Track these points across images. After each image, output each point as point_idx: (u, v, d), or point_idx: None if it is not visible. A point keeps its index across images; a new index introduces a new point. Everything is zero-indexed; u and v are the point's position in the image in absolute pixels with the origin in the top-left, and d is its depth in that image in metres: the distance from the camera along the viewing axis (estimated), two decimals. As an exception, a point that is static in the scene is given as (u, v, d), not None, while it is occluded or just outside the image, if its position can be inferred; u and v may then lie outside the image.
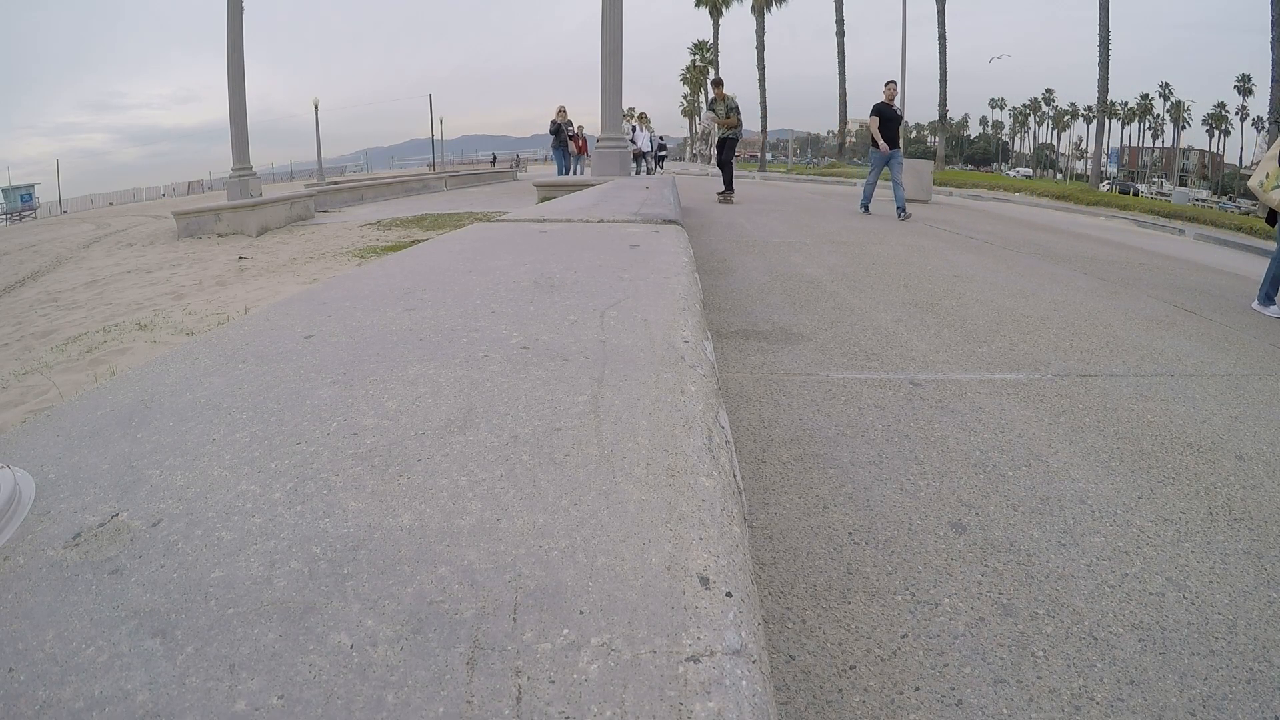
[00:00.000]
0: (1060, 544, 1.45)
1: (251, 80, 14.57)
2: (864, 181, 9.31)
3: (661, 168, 16.29)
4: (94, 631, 0.62)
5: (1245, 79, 71.46)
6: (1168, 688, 1.07)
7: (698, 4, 46.90)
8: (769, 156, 51.38)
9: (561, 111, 14.18)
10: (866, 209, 8.91)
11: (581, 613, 0.62)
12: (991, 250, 5.95)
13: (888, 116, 8.64)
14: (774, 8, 43.51)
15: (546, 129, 14.30)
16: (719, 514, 0.79)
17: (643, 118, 15.52)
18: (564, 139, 14.13)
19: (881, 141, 8.56)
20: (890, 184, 8.56)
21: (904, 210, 8.38)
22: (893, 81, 8.93)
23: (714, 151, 14.57)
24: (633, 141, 14.39)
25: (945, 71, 35.22)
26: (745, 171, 32.39)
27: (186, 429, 1.02)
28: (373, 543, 0.73)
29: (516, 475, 0.86)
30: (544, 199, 8.48)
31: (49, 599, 0.66)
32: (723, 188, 9.93)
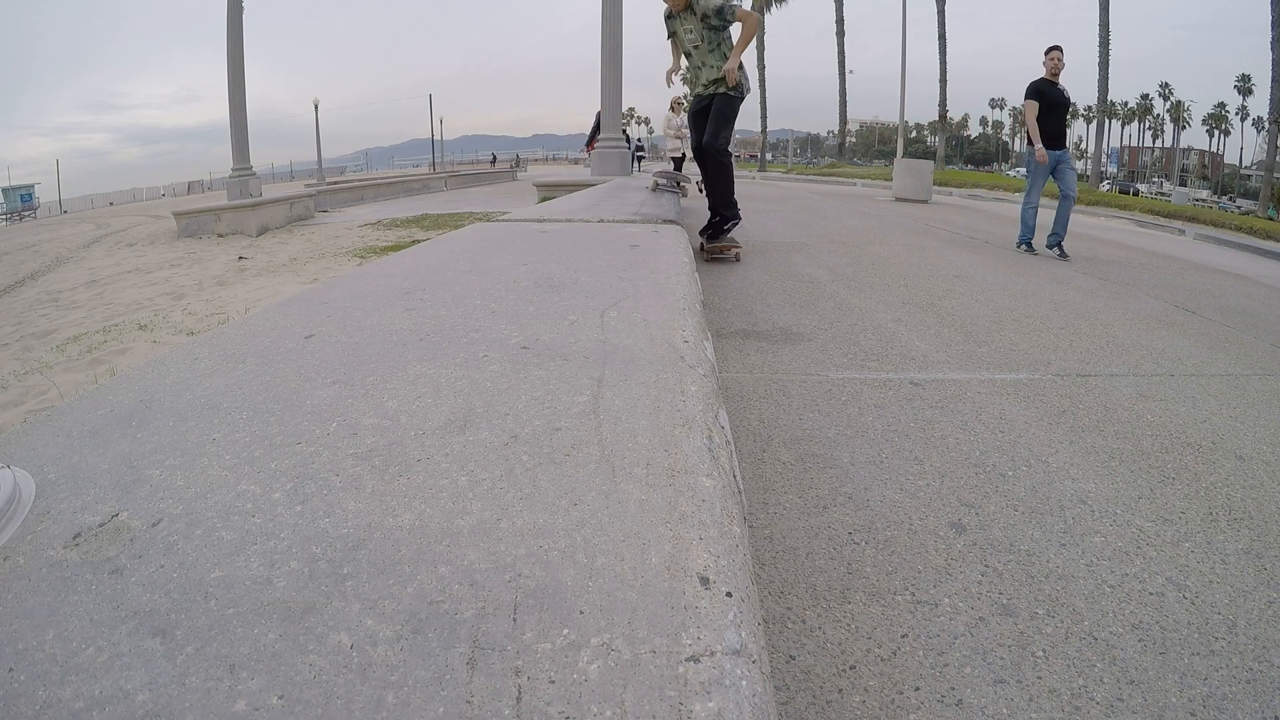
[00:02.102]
0: (1060, 544, 1.45)
1: (251, 80, 14.57)
2: (1025, 196, 6.00)
3: (639, 168, 14.81)
4: (94, 631, 0.62)
5: (1245, 79, 71.49)
6: (1168, 688, 1.07)
7: (698, 4, 46.78)
8: (769, 156, 51.42)
9: None
10: (1029, 245, 5.85)
11: (581, 613, 0.62)
12: (991, 250, 5.95)
13: (1052, 99, 5.66)
14: (774, 8, 43.55)
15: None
16: (719, 514, 0.79)
17: None
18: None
19: (1037, 143, 5.60)
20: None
21: (1061, 247, 5.64)
22: (1057, 48, 5.74)
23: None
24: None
25: (945, 71, 35.25)
26: (745, 172, 32.40)
27: (186, 429, 1.02)
28: (373, 543, 0.73)
29: (516, 475, 0.86)
30: (544, 199, 8.48)
31: (49, 599, 0.66)
32: (709, 219, 4.62)
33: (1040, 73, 5.77)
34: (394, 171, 43.03)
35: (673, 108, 12.04)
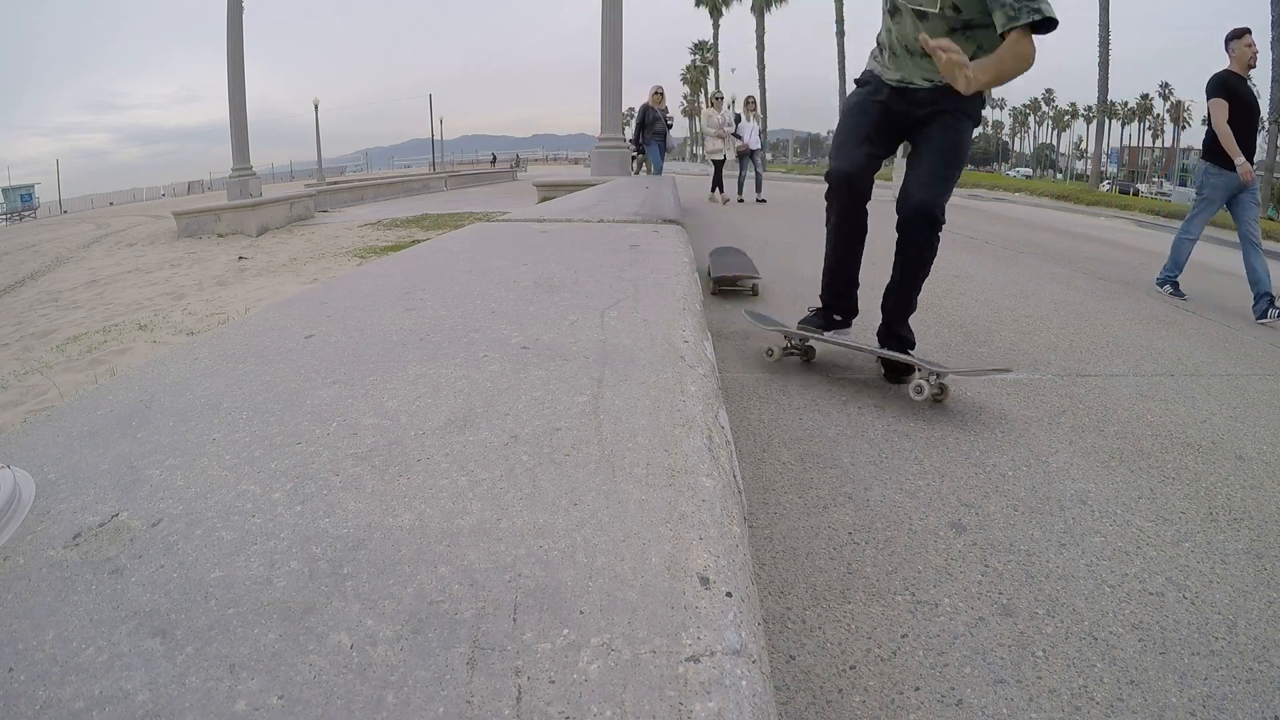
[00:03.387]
0: (1060, 544, 1.45)
1: (251, 80, 14.58)
2: (1186, 224, 4.49)
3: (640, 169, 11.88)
4: (94, 631, 0.62)
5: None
6: (1168, 688, 1.07)
7: (698, 4, 47.04)
8: (769, 156, 51.40)
9: (659, 94, 10.34)
10: (1175, 285, 4.38)
11: (581, 613, 0.62)
12: (991, 250, 5.95)
13: (1244, 100, 4.16)
14: (774, 8, 43.63)
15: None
16: (719, 514, 0.79)
17: (750, 104, 10.31)
18: (661, 130, 10.34)
19: (1237, 154, 4.02)
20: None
21: (1273, 299, 3.82)
22: (1248, 30, 4.18)
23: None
24: (736, 136, 10.02)
25: (945, 71, 35.25)
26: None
27: (186, 429, 1.02)
28: (373, 543, 0.73)
29: (516, 475, 0.86)
30: (544, 199, 8.49)
31: (49, 599, 0.66)
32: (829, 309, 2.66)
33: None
34: (394, 171, 43.06)
35: (712, 103, 10.58)
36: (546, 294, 1.81)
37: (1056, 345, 2.94)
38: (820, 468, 1.77)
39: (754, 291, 3.75)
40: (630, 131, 11.35)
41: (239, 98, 14.42)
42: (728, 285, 3.75)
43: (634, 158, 13.52)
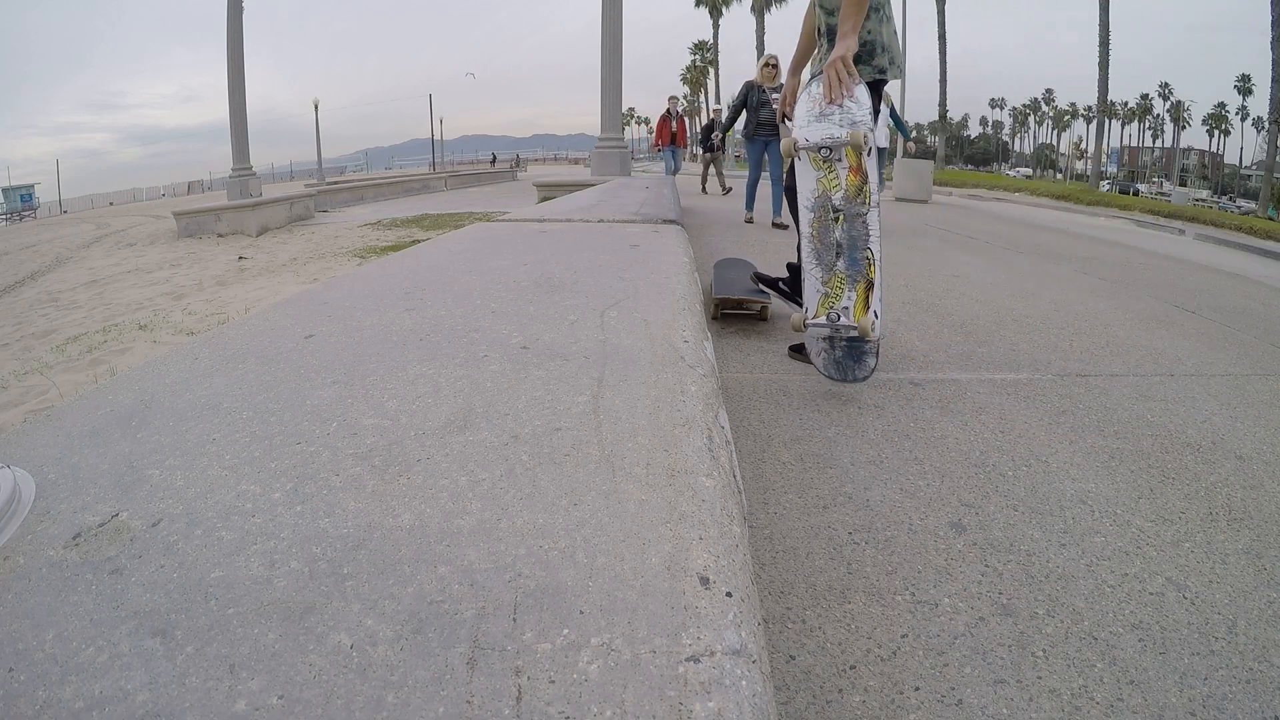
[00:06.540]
0: (1060, 544, 1.45)
1: (252, 80, 14.59)
2: None
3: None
4: (94, 631, 0.62)
5: (1245, 79, 71.40)
6: (1168, 688, 1.07)
7: (698, 4, 47.06)
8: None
9: (771, 66, 6.82)
10: None
11: (581, 613, 0.62)
12: (991, 250, 5.95)
13: None
14: (774, 8, 43.63)
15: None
16: (719, 514, 0.79)
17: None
18: (770, 119, 6.84)
19: None
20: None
21: None
22: None
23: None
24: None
25: (945, 71, 35.33)
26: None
27: (186, 429, 1.02)
28: (373, 543, 0.73)
29: (516, 475, 0.86)
30: (544, 199, 8.49)
31: (49, 599, 0.66)
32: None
33: None
34: (394, 172, 43.09)
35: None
36: (546, 294, 1.81)
37: (1056, 345, 2.94)
38: (820, 468, 1.77)
39: (763, 315, 3.33)
40: (721, 120, 8.52)
41: (239, 98, 14.43)
42: (732, 309, 3.31)
43: (706, 155, 10.80)
